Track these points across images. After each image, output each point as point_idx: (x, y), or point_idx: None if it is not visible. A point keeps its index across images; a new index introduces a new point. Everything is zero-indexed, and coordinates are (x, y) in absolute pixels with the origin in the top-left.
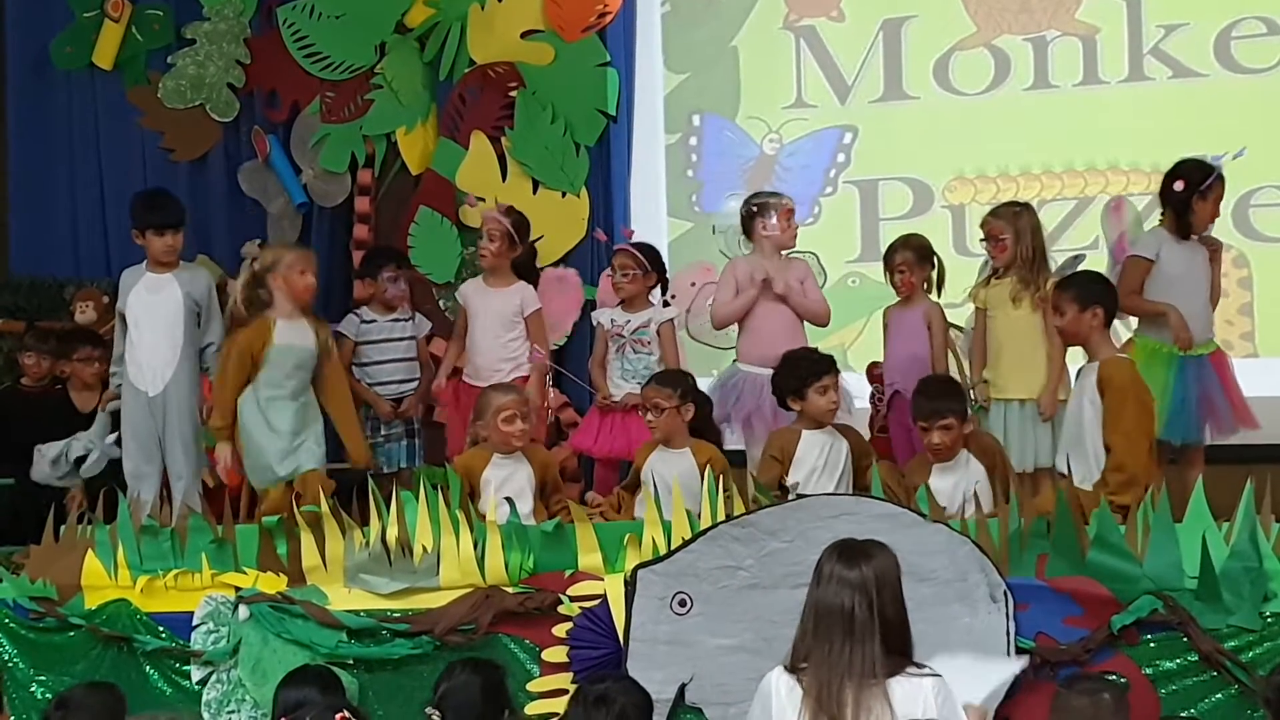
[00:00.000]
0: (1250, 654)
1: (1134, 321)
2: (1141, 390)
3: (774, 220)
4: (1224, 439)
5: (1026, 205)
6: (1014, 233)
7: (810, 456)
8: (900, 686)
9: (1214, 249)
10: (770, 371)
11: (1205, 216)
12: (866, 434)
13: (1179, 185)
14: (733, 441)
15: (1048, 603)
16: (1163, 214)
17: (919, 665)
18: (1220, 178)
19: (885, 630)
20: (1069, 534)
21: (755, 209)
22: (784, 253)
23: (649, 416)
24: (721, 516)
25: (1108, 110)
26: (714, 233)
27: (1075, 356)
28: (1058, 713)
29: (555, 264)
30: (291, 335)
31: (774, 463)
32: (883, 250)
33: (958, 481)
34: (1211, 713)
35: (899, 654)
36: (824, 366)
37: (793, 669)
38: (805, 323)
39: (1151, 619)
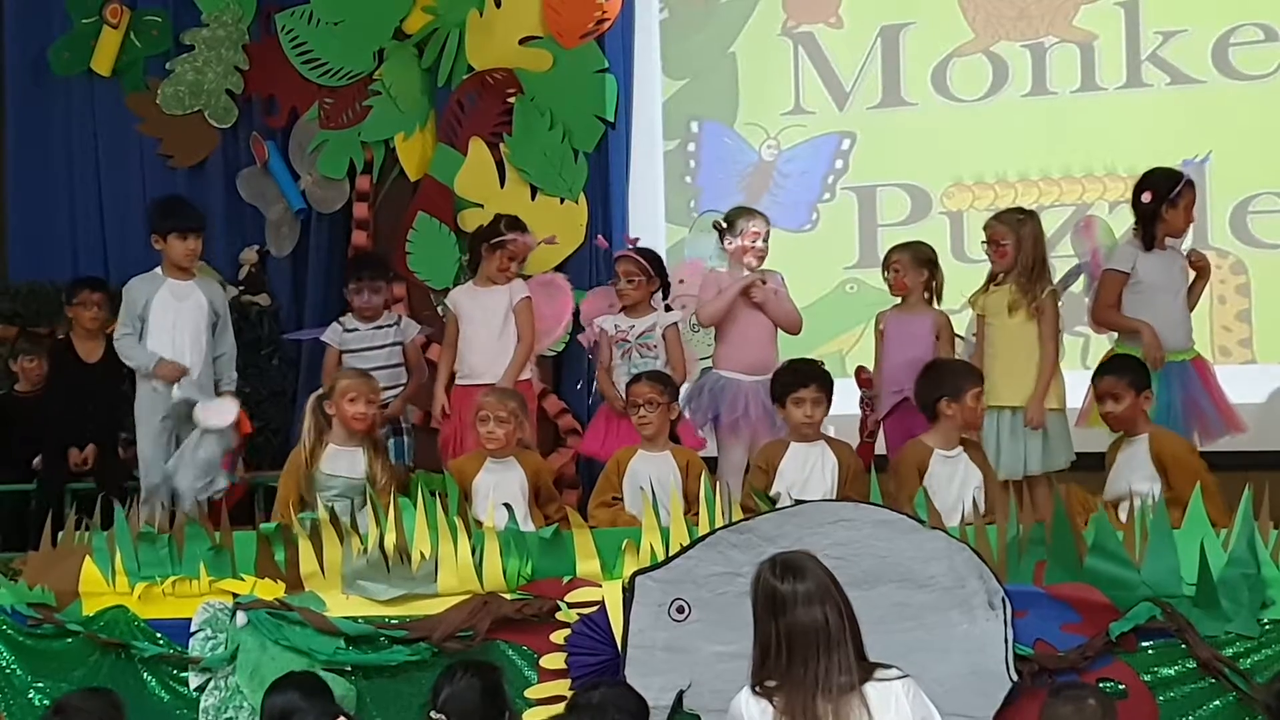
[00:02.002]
0: (1249, 661)
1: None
2: (1198, 460)
3: (739, 238)
4: (1212, 444)
5: (1031, 213)
6: (1015, 240)
7: (791, 469)
8: (875, 691)
9: (1202, 268)
10: (747, 378)
11: (1178, 224)
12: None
13: (1147, 196)
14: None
15: (1046, 609)
16: (1135, 225)
17: (886, 667)
18: (1190, 184)
19: (854, 632)
20: (1067, 541)
21: (726, 224)
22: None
23: (643, 412)
24: (720, 522)
25: (1106, 117)
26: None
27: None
28: None
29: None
30: (338, 463)
31: (760, 473)
32: (881, 256)
33: (954, 474)
34: None
35: (861, 658)
36: (802, 379)
37: (760, 691)
38: (783, 331)
39: (1150, 626)
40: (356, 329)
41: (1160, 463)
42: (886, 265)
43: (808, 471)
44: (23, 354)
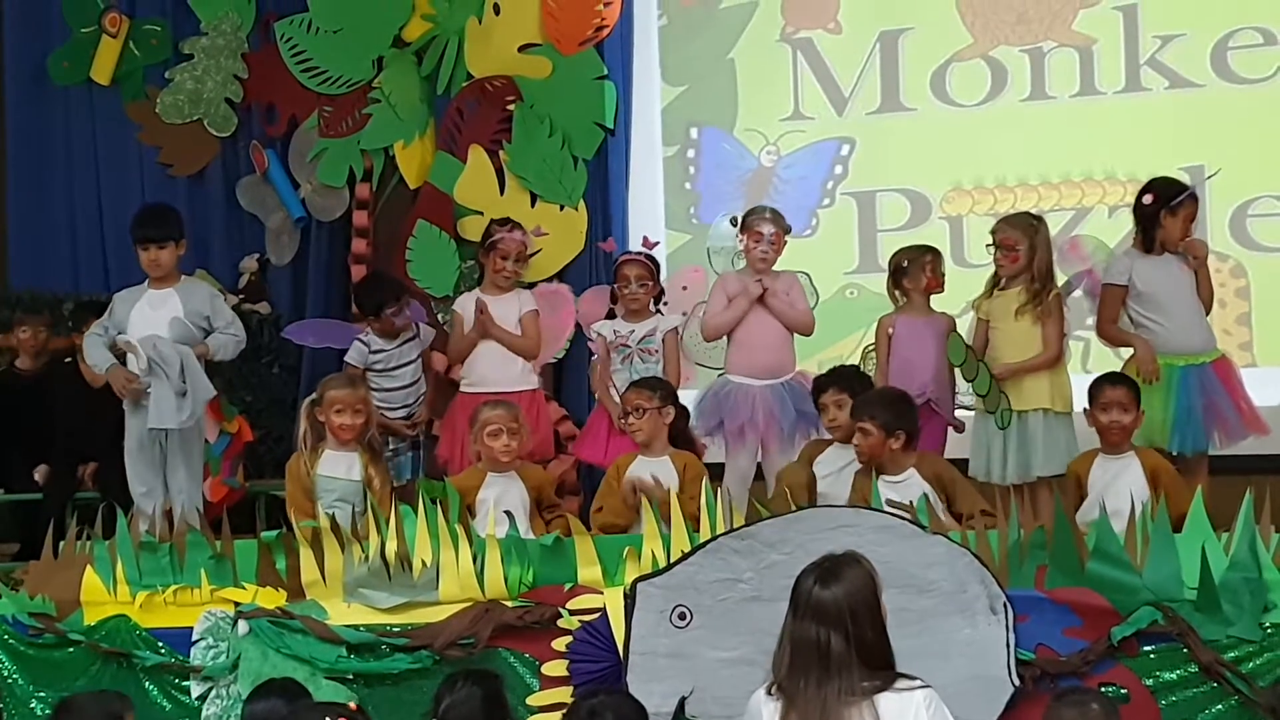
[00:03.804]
0: (1250, 665)
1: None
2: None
3: (746, 238)
4: (1234, 446)
5: (1041, 218)
6: (1029, 245)
7: (822, 468)
8: (889, 702)
9: (1198, 255)
10: (759, 383)
11: (1174, 233)
12: None
13: (1148, 198)
14: (714, 454)
15: (1047, 614)
16: (1135, 229)
17: (909, 678)
18: (1193, 197)
19: (864, 654)
20: (1068, 545)
21: (740, 222)
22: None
23: (630, 419)
24: (721, 529)
25: (1105, 121)
26: (709, 256)
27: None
28: None
29: (551, 278)
30: (335, 466)
31: (795, 469)
32: (881, 262)
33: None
34: None
35: (883, 668)
36: (820, 385)
37: (773, 692)
38: (796, 336)
39: (1151, 630)
40: (383, 349)
41: (1154, 479)
42: (922, 266)
43: (840, 473)
44: (23, 323)
